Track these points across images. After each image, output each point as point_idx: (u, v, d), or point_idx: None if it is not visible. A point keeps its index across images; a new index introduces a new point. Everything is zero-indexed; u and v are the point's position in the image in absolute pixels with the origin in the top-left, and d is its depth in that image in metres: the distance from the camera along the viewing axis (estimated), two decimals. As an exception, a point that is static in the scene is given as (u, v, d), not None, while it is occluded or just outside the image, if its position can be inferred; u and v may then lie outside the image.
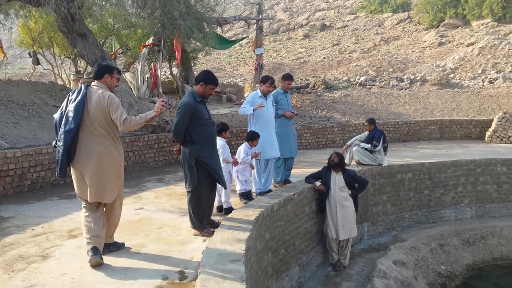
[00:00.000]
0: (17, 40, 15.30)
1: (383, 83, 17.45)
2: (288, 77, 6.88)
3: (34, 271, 3.69)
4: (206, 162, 4.34)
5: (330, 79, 18.93)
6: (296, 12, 41.73)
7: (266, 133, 6.04)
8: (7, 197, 6.13)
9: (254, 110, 6.01)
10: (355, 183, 6.87)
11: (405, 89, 16.66)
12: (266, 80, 6.27)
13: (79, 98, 3.70)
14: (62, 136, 3.66)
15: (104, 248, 3.88)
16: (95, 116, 3.69)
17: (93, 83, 3.85)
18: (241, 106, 6.34)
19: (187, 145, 4.35)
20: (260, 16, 15.66)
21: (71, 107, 3.69)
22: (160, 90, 13.21)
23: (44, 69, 17.04)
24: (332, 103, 14.43)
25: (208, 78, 4.38)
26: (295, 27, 37.44)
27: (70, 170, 3.84)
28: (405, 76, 18.22)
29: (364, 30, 33.79)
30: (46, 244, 4.37)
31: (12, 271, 3.67)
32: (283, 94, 6.83)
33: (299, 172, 7.58)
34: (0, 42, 13.46)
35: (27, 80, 11.69)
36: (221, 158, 5.52)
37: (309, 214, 6.67)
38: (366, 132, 8.58)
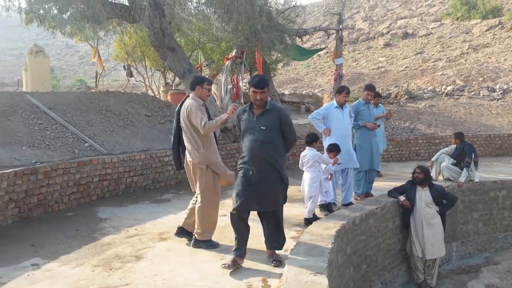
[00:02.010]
0: (113, 54, 16.67)
1: (472, 93, 16.32)
2: (369, 88, 6.77)
3: (129, 271, 3.98)
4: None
5: (413, 89, 18.13)
6: (377, 20, 40.68)
7: (342, 144, 5.96)
8: (104, 200, 6.68)
9: (323, 133, 6.11)
10: (442, 199, 6.50)
11: (498, 99, 15.43)
12: (342, 91, 6.21)
13: (177, 107, 4.58)
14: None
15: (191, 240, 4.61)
16: (184, 122, 4.45)
17: (190, 95, 4.54)
18: (313, 113, 6.36)
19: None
20: (341, 26, 15.50)
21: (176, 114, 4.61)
22: (242, 100, 13.59)
23: (137, 81, 18.36)
24: (416, 114, 13.79)
25: (254, 82, 4.01)
26: (376, 36, 36.46)
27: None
28: (497, 86, 16.89)
29: (450, 37, 31.96)
30: (139, 245, 4.69)
31: (110, 269, 4.00)
32: (365, 105, 6.73)
33: (381, 186, 7.36)
34: (99, 56, 14.81)
35: (122, 91, 12.68)
36: (305, 167, 5.58)
37: (392, 230, 6.43)
38: (453, 146, 8.09)
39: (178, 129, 4.57)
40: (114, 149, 7.44)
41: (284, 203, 4.22)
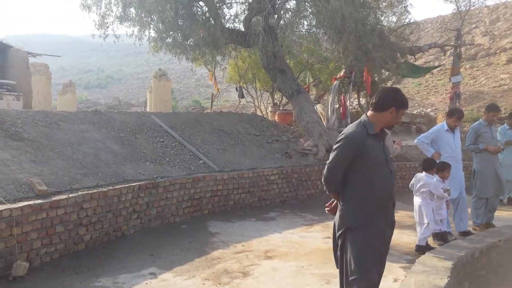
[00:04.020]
0: (227, 77, 17.68)
1: None
2: (493, 108, 6.23)
3: (237, 287, 4.13)
4: (374, 235, 2.79)
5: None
6: (499, 35, 37.10)
7: (453, 170, 5.53)
8: (214, 215, 7.06)
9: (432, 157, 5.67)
10: None
11: None
12: (453, 114, 5.80)
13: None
14: None
15: None
16: None
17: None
18: (421, 136, 6.00)
19: (341, 201, 2.89)
20: (459, 42, 14.51)
21: None
22: (349, 120, 13.38)
23: (247, 101, 19.19)
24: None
25: (401, 99, 2.89)
26: (497, 51, 33.19)
27: None
28: None
29: None
30: (246, 261, 4.84)
31: (219, 284, 4.19)
32: (487, 127, 6.19)
33: (503, 215, 6.67)
34: (215, 79, 15.86)
35: (234, 111, 13.36)
36: (414, 191, 5.29)
37: (520, 268, 5.72)
38: None
39: None
40: (225, 166, 7.83)
41: None
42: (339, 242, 2.86)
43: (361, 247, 2.74)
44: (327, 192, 2.98)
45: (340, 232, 2.83)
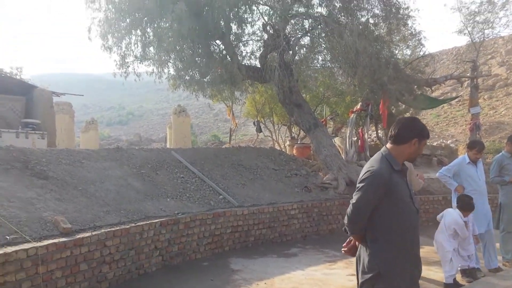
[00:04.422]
0: (245, 111, 17.94)
1: None
2: None
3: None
4: (406, 280, 2.59)
5: None
6: (515, 65, 36.90)
7: (478, 204, 5.42)
8: (235, 251, 7.00)
9: (455, 191, 5.57)
10: None
11: None
12: (473, 147, 5.74)
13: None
14: None
15: None
16: None
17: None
18: (443, 169, 5.93)
19: (367, 245, 2.62)
20: (475, 74, 14.49)
21: None
22: (368, 153, 13.31)
23: (265, 135, 19.34)
24: None
25: (422, 129, 2.70)
26: (515, 81, 32.92)
27: None
28: None
29: None
30: (269, 299, 4.76)
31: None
32: (510, 158, 6.07)
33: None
34: (233, 114, 16.11)
35: (252, 145, 13.45)
36: (443, 228, 5.19)
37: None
38: None
39: None
40: (245, 201, 7.83)
41: None
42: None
43: None
44: (348, 234, 2.72)
45: (369, 276, 2.55)
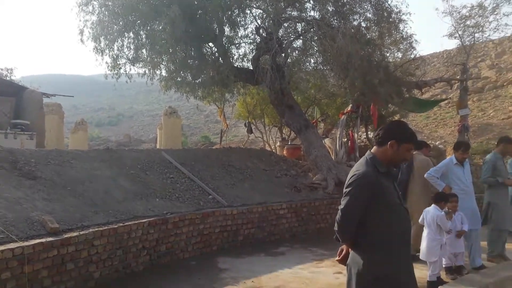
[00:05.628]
0: (236, 113, 17.95)
1: None
2: (510, 141, 6.24)
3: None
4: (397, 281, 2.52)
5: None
6: (505, 68, 37.36)
7: (465, 203, 5.58)
8: (223, 250, 7.02)
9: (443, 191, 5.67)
10: None
11: None
12: (459, 148, 5.92)
13: None
14: None
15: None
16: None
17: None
18: (431, 170, 6.00)
19: (360, 250, 2.58)
20: (465, 76, 14.65)
21: None
22: (357, 154, 13.41)
23: (255, 136, 19.36)
24: None
25: (402, 132, 2.67)
26: (504, 84, 33.32)
27: None
28: None
29: None
30: (256, 298, 4.79)
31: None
32: (502, 159, 6.20)
33: (514, 248, 6.55)
34: (224, 116, 16.13)
35: (242, 146, 13.48)
36: (426, 229, 5.25)
37: (537, 304, 5.55)
38: None
39: None
40: (234, 201, 7.85)
41: None
42: None
43: None
44: (340, 242, 2.66)
45: (366, 281, 2.48)
